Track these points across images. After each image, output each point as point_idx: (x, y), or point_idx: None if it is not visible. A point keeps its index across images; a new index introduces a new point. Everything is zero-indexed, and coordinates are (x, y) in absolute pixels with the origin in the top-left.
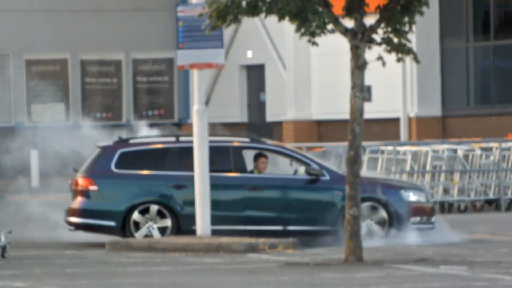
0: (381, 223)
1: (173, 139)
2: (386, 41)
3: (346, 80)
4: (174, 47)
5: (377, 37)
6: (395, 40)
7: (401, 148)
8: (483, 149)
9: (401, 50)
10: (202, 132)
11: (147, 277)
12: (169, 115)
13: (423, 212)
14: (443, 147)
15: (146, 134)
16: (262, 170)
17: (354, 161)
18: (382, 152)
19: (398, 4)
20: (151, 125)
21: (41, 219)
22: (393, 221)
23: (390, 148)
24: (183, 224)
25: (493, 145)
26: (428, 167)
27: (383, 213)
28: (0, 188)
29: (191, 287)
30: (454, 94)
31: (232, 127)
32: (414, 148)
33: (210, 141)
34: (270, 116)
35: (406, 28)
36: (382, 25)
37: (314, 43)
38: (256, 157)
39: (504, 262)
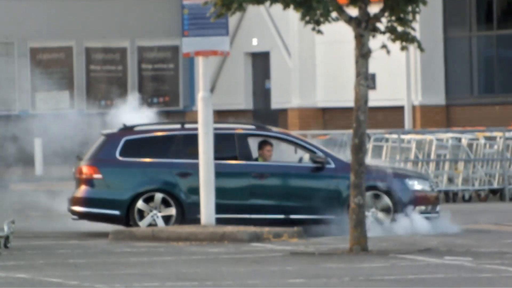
0: (385, 211)
1: (178, 126)
2: (390, 29)
3: (351, 68)
4: (179, 34)
5: (381, 25)
6: (399, 28)
7: (405, 137)
8: (487, 138)
9: (405, 38)
10: (207, 119)
11: (151, 267)
12: (175, 102)
13: (427, 201)
14: (447, 136)
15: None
16: (268, 158)
17: (359, 149)
18: (387, 140)
19: None
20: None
21: (45, 208)
22: (397, 209)
23: (394, 136)
24: (188, 212)
25: (497, 134)
26: (432, 156)
27: (387, 202)
28: (4, 176)
29: (194, 277)
30: (458, 83)
31: (237, 115)
32: (419, 137)
33: (215, 129)
34: (275, 103)
35: (410, 17)
36: (386, 13)
37: (319, 31)
38: (261, 145)
39: (509, 253)
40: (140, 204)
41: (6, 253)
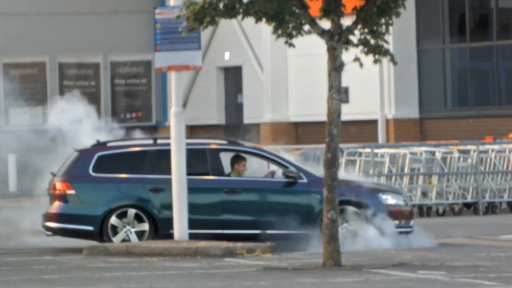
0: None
1: (150, 142)
2: (363, 42)
3: (323, 81)
4: (152, 49)
5: (354, 38)
6: (372, 41)
7: (379, 151)
8: (461, 151)
9: (378, 51)
10: (180, 134)
11: (125, 282)
12: (147, 117)
13: (401, 216)
14: (421, 150)
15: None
16: (241, 173)
17: (332, 163)
18: (360, 154)
19: (374, 5)
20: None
21: (18, 224)
22: (371, 224)
23: (368, 150)
24: (161, 228)
25: (471, 147)
26: (406, 170)
27: (361, 217)
28: None
29: None
30: (431, 96)
31: (209, 129)
32: (392, 151)
33: (188, 144)
34: (248, 118)
35: (383, 30)
36: (359, 26)
37: (291, 45)
38: (235, 160)
39: (483, 266)
40: (113, 219)
41: None
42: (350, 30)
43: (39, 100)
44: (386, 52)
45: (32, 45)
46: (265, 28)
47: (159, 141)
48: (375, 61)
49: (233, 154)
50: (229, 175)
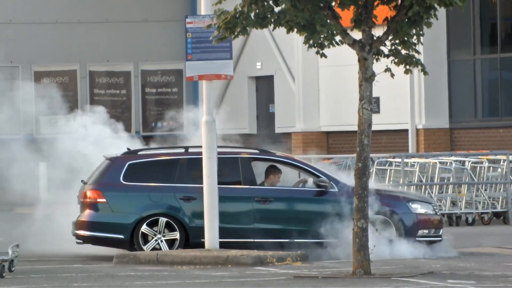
0: (389, 235)
1: (182, 150)
2: (394, 53)
3: (354, 91)
4: (183, 58)
5: (385, 48)
6: (403, 51)
7: (409, 160)
8: (490, 161)
9: (409, 61)
10: (211, 143)
11: None
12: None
13: (431, 225)
14: (451, 159)
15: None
16: (275, 184)
17: (362, 173)
18: (390, 164)
19: (405, 16)
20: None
21: (49, 232)
22: (401, 233)
23: (398, 160)
24: (192, 236)
25: (501, 157)
26: (436, 179)
27: (391, 225)
28: (9, 200)
29: None
30: (461, 106)
31: (241, 139)
32: (422, 160)
33: (219, 153)
34: (279, 127)
35: (414, 40)
36: (390, 37)
37: (323, 55)
38: (271, 170)
39: None
40: (144, 228)
41: (10, 277)
42: (381, 40)
43: (70, 108)
44: (417, 63)
45: (63, 53)
46: (296, 38)
47: (190, 150)
48: (406, 71)
49: (269, 164)
50: (261, 184)
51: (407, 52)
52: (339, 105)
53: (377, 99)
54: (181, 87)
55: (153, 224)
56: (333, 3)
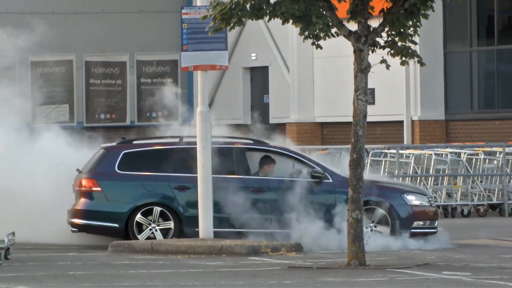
0: (384, 227)
1: (176, 140)
2: (390, 44)
3: (350, 82)
4: (179, 49)
5: (381, 40)
6: (399, 43)
7: (404, 152)
8: (486, 153)
9: (405, 53)
10: (205, 133)
11: (149, 280)
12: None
13: (426, 216)
14: (446, 151)
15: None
16: (269, 174)
17: (357, 164)
18: (385, 155)
19: (402, 7)
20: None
21: (44, 220)
22: (396, 224)
23: (393, 151)
24: (186, 226)
25: (497, 149)
26: (431, 171)
27: (386, 217)
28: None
29: None
30: (457, 98)
31: (235, 129)
32: (417, 152)
33: (213, 143)
34: (273, 118)
35: (411, 31)
36: (386, 28)
37: (318, 46)
38: (265, 160)
39: (508, 268)
40: (138, 217)
41: (6, 265)
42: (377, 32)
43: (66, 98)
44: (413, 54)
45: (59, 43)
46: (291, 29)
47: (185, 140)
48: (402, 63)
49: (263, 154)
50: (256, 174)
51: (403, 43)
52: (334, 96)
53: (372, 90)
54: (176, 78)
55: (147, 213)
56: None
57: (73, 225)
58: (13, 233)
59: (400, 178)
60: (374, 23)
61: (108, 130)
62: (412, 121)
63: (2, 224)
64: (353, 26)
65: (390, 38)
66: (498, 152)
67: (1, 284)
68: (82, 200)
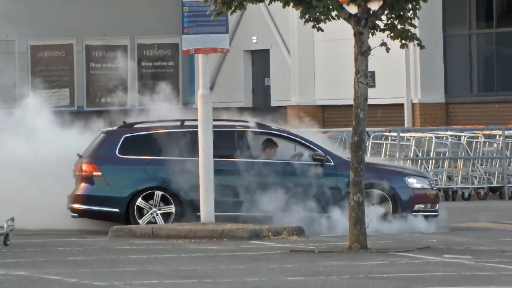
0: (385, 209)
1: (177, 123)
2: (390, 27)
3: (350, 66)
4: (179, 32)
5: (381, 23)
6: (399, 26)
7: (405, 134)
8: (486, 136)
9: (405, 36)
10: (207, 117)
11: (150, 264)
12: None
13: (427, 199)
14: (447, 134)
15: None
16: (271, 157)
17: (358, 147)
18: (386, 138)
19: None
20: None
21: (44, 206)
22: (397, 207)
23: (394, 134)
24: (187, 210)
25: (497, 132)
26: (432, 154)
27: (387, 200)
28: None
29: (194, 274)
30: (457, 81)
31: (236, 112)
32: (418, 135)
33: (215, 126)
34: (275, 100)
35: (410, 14)
36: (386, 11)
37: (319, 29)
38: (267, 144)
39: (508, 251)
40: (139, 201)
41: (5, 251)
42: (376, 15)
43: (66, 82)
44: (413, 37)
45: (59, 27)
46: (292, 13)
47: (186, 123)
48: (402, 46)
49: (265, 137)
50: (257, 157)
51: (403, 26)
52: (335, 79)
53: (373, 73)
54: (177, 61)
55: (148, 197)
56: None
57: (73, 210)
58: (13, 219)
59: (401, 161)
60: (374, 6)
61: (109, 114)
62: (413, 104)
63: (2, 209)
64: (353, 9)
65: (389, 21)
66: (498, 135)
67: (0, 270)
68: (83, 185)
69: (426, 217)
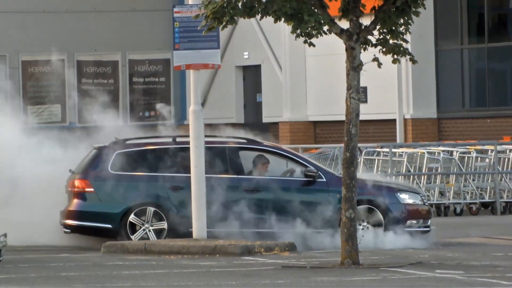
0: (377, 225)
1: (169, 140)
2: (382, 42)
3: (342, 81)
4: (171, 48)
5: (373, 38)
6: (391, 41)
7: (397, 150)
8: (478, 151)
9: (397, 51)
10: (198, 133)
11: (143, 280)
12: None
13: (419, 215)
14: (439, 149)
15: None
16: (262, 173)
17: (350, 163)
18: (378, 153)
19: (393, 5)
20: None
21: (36, 221)
22: (389, 223)
23: (386, 149)
24: (180, 226)
25: (489, 147)
26: (424, 169)
27: (379, 216)
28: None
29: None
30: (449, 96)
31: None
32: (410, 150)
33: (207, 142)
34: (266, 116)
35: (402, 29)
36: (378, 26)
37: (311, 44)
38: (259, 160)
39: (500, 266)
40: (132, 217)
41: None
42: (368, 30)
43: (57, 97)
44: (405, 52)
45: (51, 42)
46: (284, 28)
47: (178, 139)
48: (394, 61)
49: (257, 153)
50: (249, 173)
51: (395, 41)
52: (327, 94)
53: (365, 88)
54: (168, 77)
55: (141, 213)
56: None
57: (66, 226)
58: (5, 235)
59: (393, 176)
60: (366, 21)
61: (101, 129)
62: (405, 119)
63: None
64: (345, 24)
65: (381, 36)
66: (490, 150)
67: None
68: (75, 201)
69: (418, 232)
